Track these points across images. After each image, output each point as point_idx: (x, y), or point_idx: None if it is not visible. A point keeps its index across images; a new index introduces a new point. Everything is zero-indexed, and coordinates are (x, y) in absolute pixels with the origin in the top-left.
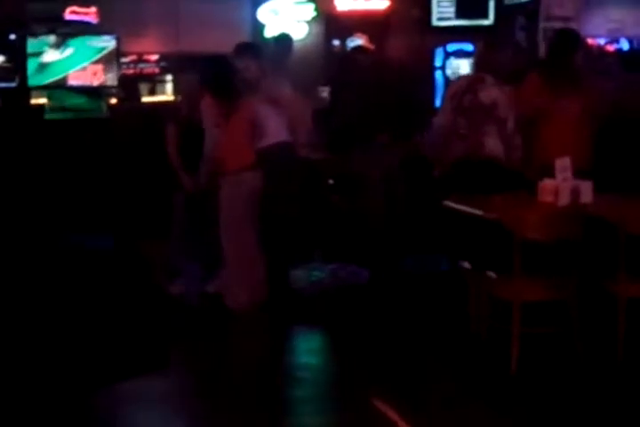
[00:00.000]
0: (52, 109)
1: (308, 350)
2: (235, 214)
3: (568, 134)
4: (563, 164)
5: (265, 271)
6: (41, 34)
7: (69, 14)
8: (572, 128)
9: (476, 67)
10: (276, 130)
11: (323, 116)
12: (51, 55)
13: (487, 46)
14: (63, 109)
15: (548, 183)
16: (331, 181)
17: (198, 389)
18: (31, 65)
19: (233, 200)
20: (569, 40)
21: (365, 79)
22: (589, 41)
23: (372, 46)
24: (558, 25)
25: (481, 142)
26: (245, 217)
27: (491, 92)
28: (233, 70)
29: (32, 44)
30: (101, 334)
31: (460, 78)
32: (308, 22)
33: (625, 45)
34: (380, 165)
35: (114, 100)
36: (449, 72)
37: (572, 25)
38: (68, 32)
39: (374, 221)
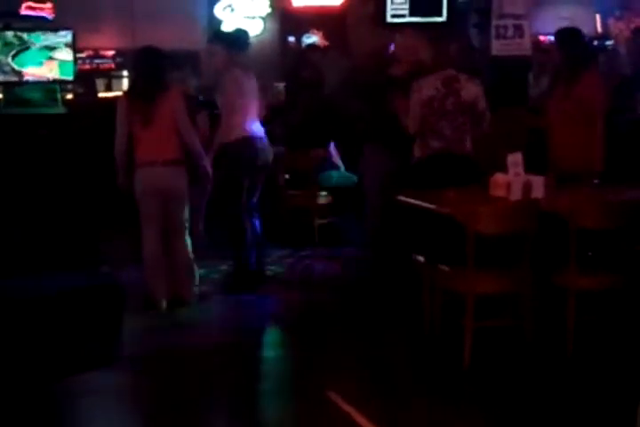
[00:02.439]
0: (8, 104)
1: (263, 345)
2: (141, 210)
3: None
4: (514, 159)
5: (179, 270)
6: None
7: (25, 9)
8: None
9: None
10: (244, 123)
11: (279, 111)
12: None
13: (439, 42)
14: (18, 104)
15: (499, 177)
16: (287, 176)
17: (154, 383)
18: None
19: (138, 196)
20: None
21: (318, 76)
22: (540, 38)
23: (326, 42)
24: (511, 22)
25: (462, 141)
26: (148, 214)
27: (470, 89)
28: (156, 65)
29: None
30: (51, 329)
31: (426, 81)
32: (263, 18)
33: None
34: (377, 171)
35: (70, 96)
36: None
37: (524, 22)
38: (23, 27)
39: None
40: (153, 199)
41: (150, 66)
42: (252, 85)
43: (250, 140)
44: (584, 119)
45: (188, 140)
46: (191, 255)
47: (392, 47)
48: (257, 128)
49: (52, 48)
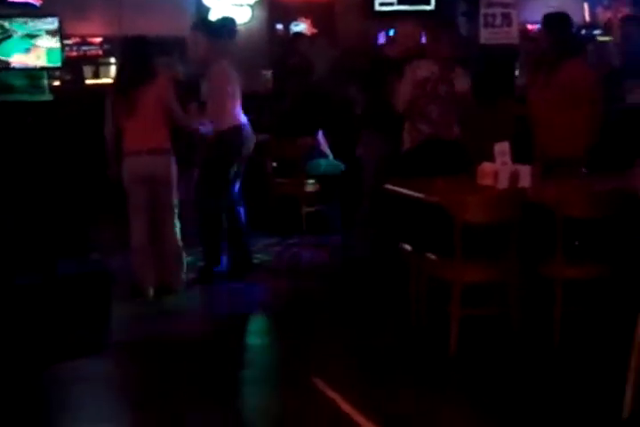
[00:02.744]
0: None
1: (249, 332)
2: (129, 198)
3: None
4: (501, 148)
5: (168, 258)
6: None
7: None
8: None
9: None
10: (234, 111)
11: (266, 99)
12: None
13: (431, 33)
14: (4, 91)
15: (487, 166)
16: (274, 164)
17: (141, 371)
18: None
19: (125, 184)
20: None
21: (306, 64)
22: (528, 27)
23: (314, 30)
24: (499, 11)
25: (449, 128)
26: (135, 202)
27: (464, 83)
28: (141, 54)
29: None
30: (40, 316)
31: (422, 63)
32: (251, 6)
33: None
34: (374, 157)
35: (57, 83)
36: None
37: (512, 11)
38: (9, 14)
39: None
40: (140, 188)
41: (137, 55)
42: (236, 74)
43: (240, 128)
44: (567, 105)
45: (183, 124)
46: (180, 243)
47: (381, 36)
48: (243, 116)
49: (38, 35)
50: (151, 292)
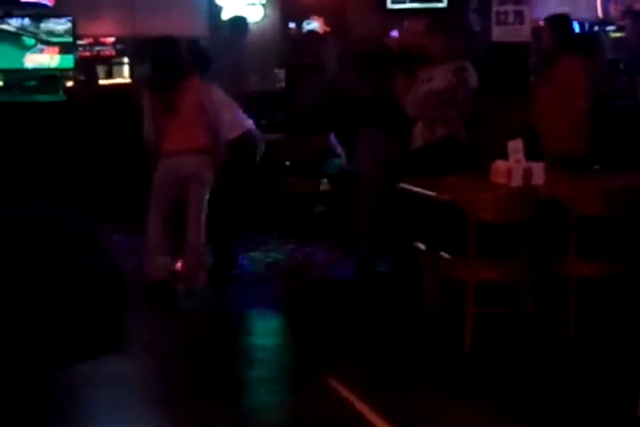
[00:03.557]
0: (8, 91)
1: (264, 332)
2: (153, 196)
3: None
4: (515, 145)
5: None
6: None
7: None
8: (548, 112)
9: (442, 54)
10: (242, 118)
11: (279, 98)
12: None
13: (447, 32)
14: (19, 92)
15: (500, 164)
16: (287, 163)
17: (155, 371)
18: None
19: (156, 183)
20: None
21: (318, 63)
22: (541, 24)
23: (327, 29)
24: (511, 8)
25: (463, 127)
26: (160, 201)
27: (474, 78)
28: (173, 54)
29: None
30: (56, 316)
31: (437, 71)
32: (263, 5)
33: (576, 28)
34: (380, 160)
35: (70, 83)
36: None
37: (525, 8)
38: (23, 14)
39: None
40: (172, 187)
41: (169, 54)
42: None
43: (252, 132)
44: (566, 101)
45: (215, 126)
46: (204, 243)
47: (394, 34)
48: (248, 121)
49: (51, 35)
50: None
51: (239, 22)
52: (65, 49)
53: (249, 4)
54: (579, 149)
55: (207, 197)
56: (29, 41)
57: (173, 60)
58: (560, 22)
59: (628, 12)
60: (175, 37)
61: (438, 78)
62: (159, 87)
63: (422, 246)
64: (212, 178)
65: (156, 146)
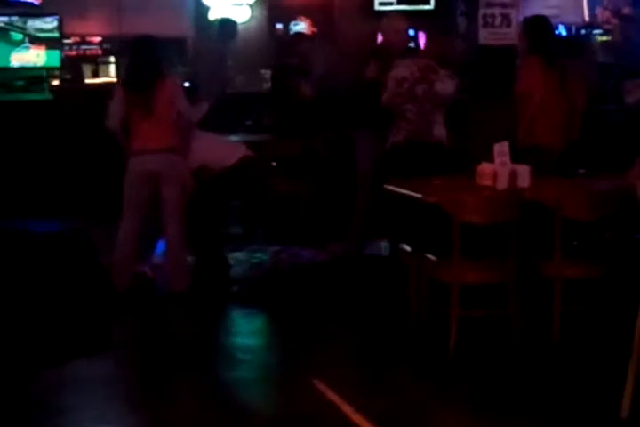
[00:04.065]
0: None
1: (249, 332)
2: (126, 197)
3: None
4: (501, 148)
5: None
6: None
7: None
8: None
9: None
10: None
11: (265, 99)
12: None
13: (430, 35)
14: (4, 91)
15: (486, 167)
16: (274, 164)
17: (137, 372)
18: None
19: (128, 183)
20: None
21: (305, 65)
22: None
23: (314, 30)
24: (498, 11)
25: (429, 129)
26: (132, 201)
27: (446, 85)
28: (151, 54)
29: None
30: (42, 316)
31: (405, 62)
32: (251, 6)
33: (563, 31)
34: (369, 155)
35: (56, 82)
36: None
37: (511, 11)
38: (9, 13)
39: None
40: (142, 187)
41: (146, 55)
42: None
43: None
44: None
45: (194, 120)
46: (184, 243)
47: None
48: None
49: (38, 34)
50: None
51: (227, 25)
52: (51, 47)
53: (236, 5)
54: (551, 143)
55: (183, 196)
56: (16, 36)
57: (150, 61)
58: (533, 24)
59: (616, 16)
60: (154, 37)
61: (403, 68)
62: (135, 87)
63: (408, 248)
64: (189, 177)
65: (127, 145)
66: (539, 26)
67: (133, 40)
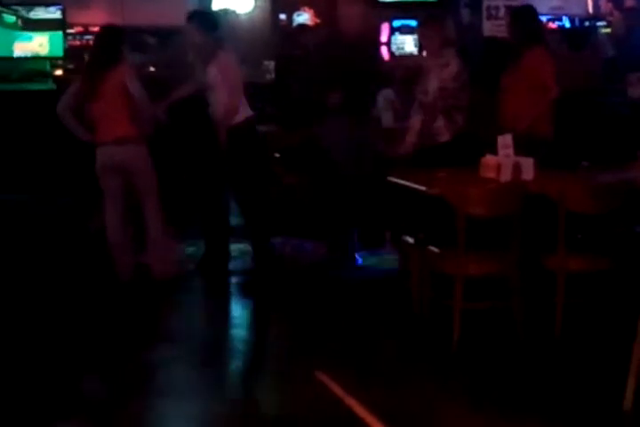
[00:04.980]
0: None
1: (250, 325)
2: (102, 187)
3: (517, 104)
4: (504, 140)
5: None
6: None
7: None
8: (515, 103)
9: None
10: (223, 100)
11: (269, 90)
12: None
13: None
14: (7, 80)
15: (490, 159)
16: (277, 155)
17: (137, 364)
18: None
19: (97, 174)
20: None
21: (308, 56)
22: None
23: (317, 20)
24: (502, 3)
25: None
26: (107, 191)
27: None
28: (111, 42)
29: None
30: None
31: (450, 54)
32: None
33: (567, 23)
34: (351, 140)
35: (59, 72)
36: (394, 48)
37: (515, 3)
38: (13, 2)
39: (337, 197)
40: (111, 177)
41: (105, 43)
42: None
43: (254, 117)
44: (526, 90)
45: (146, 110)
46: (166, 230)
47: (384, 27)
48: None
49: (41, 24)
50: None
51: (223, 16)
52: (54, 37)
53: None
54: (544, 130)
55: (154, 183)
56: (19, 25)
57: (107, 49)
58: (522, 14)
59: (618, 8)
60: (119, 28)
61: (454, 61)
62: (89, 74)
63: (411, 240)
64: (151, 166)
65: (78, 132)
66: (532, 15)
67: (99, 29)
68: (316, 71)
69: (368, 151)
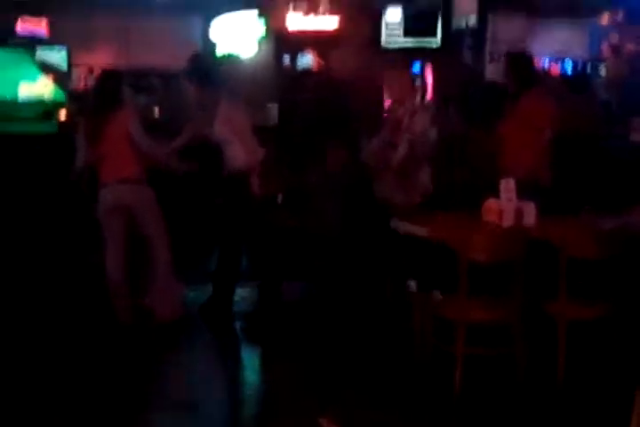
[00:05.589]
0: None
1: (252, 367)
2: (103, 229)
3: (515, 150)
4: (507, 185)
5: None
6: None
7: (21, 26)
8: (513, 145)
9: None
10: (240, 152)
11: (272, 132)
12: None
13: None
14: (12, 122)
15: (492, 203)
16: (279, 198)
17: (140, 404)
18: None
19: (100, 215)
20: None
21: (308, 99)
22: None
23: (321, 62)
24: (505, 47)
25: None
26: (109, 233)
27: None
28: (114, 86)
29: None
30: None
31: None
32: (258, 40)
33: (569, 66)
34: (322, 172)
35: (64, 113)
36: None
37: (518, 47)
38: (19, 43)
39: (322, 231)
40: (115, 218)
41: (106, 86)
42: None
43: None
44: (527, 133)
45: (148, 152)
46: (171, 273)
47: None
48: None
49: (46, 65)
50: (129, 319)
51: (200, 73)
52: (59, 79)
53: (243, 39)
54: (542, 176)
55: (161, 224)
56: (25, 67)
57: (108, 92)
58: (518, 60)
59: (615, 52)
60: (118, 71)
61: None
62: (92, 118)
63: (413, 284)
64: (157, 207)
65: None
66: (528, 61)
67: (101, 73)
68: (311, 113)
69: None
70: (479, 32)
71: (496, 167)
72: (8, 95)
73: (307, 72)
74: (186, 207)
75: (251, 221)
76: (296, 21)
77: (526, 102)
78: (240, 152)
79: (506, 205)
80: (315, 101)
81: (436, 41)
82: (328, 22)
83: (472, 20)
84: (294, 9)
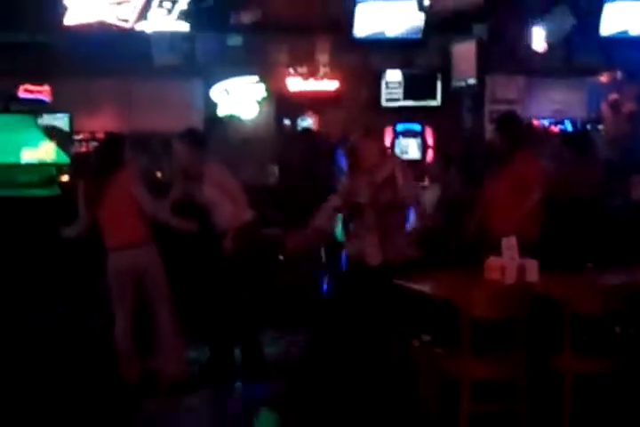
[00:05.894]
0: (2, 186)
1: None
2: (112, 292)
3: (498, 211)
4: (509, 242)
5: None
6: None
7: (23, 92)
8: (502, 205)
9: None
10: (228, 214)
11: (273, 192)
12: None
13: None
14: (14, 186)
15: (494, 261)
16: (281, 257)
17: None
18: None
19: (109, 279)
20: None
21: (298, 159)
22: (534, 122)
23: (321, 125)
24: (503, 107)
25: None
26: (119, 296)
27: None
28: (115, 150)
29: None
30: None
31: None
32: (259, 102)
33: (569, 126)
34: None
35: (66, 178)
36: (398, 151)
37: (517, 107)
38: (21, 109)
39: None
40: (125, 282)
41: (108, 150)
42: None
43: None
44: (517, 194)
45: (152, 214)
46: (178, 334)
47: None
48: None
49: (48, 131)
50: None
51: (195, 136)
52: (61, 144)
53: (244, 101)
54: (529, 236)
55: (166, 285)
56: (27, 132)
57: (110, 155)
58: (507, 121)
59: (613, 111)
60: (121, 135)
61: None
62: (92, 178)
63: (417, 342)
64: (162, 266)
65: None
66: (517, 122)
67: (104, 137)
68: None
69: None
70: (478, 92)
71: (483, 227)
72: (10, 160)
73: (305, 131)
74: (181, 266)
75: (241, 279)
76: (296, 84)
77: (517, 163)
78: (227, 214)
79: (508, 262)
80: (300, 162)
81: (436, 103)
82: (328, 85)
83: (471, 81)
84: (294, 73)
